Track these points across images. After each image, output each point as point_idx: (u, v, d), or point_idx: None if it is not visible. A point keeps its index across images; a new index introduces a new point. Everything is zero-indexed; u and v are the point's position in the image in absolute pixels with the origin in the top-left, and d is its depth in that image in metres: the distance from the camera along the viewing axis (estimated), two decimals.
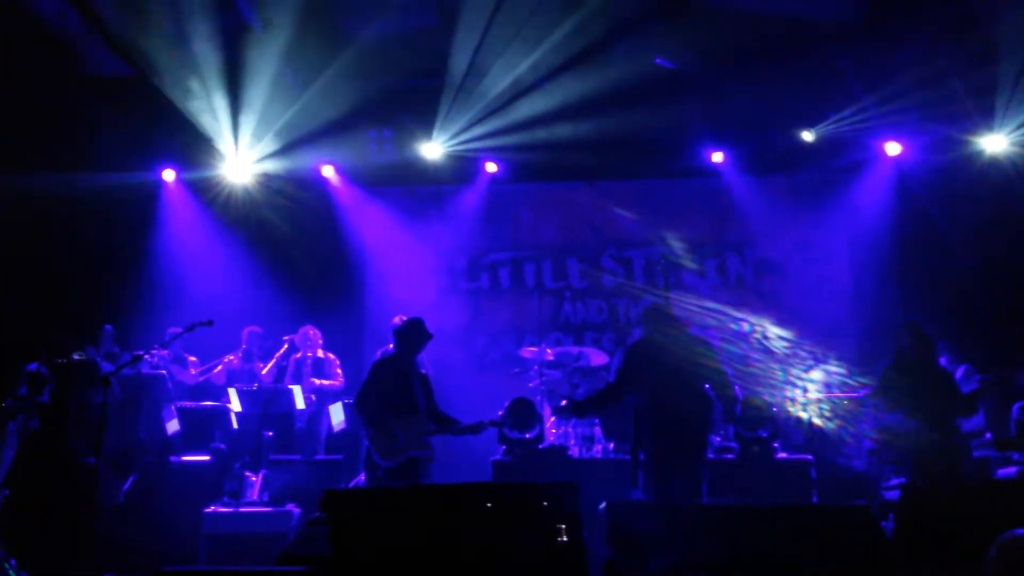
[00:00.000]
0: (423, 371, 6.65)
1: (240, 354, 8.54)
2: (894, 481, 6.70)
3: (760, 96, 8.67)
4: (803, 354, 6.31)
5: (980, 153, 8.90)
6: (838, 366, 6.00)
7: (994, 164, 8.88)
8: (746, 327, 6.89)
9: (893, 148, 9.08)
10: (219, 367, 8.47)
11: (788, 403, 6.18)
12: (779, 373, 6.39)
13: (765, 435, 7.24)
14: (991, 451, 6.39)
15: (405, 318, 7.91)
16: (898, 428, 5.31)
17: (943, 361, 6.50)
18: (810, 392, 6.18)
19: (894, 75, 8.35)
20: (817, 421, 5.78)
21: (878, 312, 8.72)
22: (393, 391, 6.18)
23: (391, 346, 7.92)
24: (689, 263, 9.00)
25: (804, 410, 5.95)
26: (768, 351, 6.60)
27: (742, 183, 9.56)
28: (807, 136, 9.09)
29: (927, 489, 5.14)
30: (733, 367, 6.21)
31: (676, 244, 9.28)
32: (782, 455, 7.29)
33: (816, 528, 3.92)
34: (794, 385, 6.16)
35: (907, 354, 5.88)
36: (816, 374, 6.16)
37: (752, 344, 6.86)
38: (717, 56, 8.27)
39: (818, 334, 8.95)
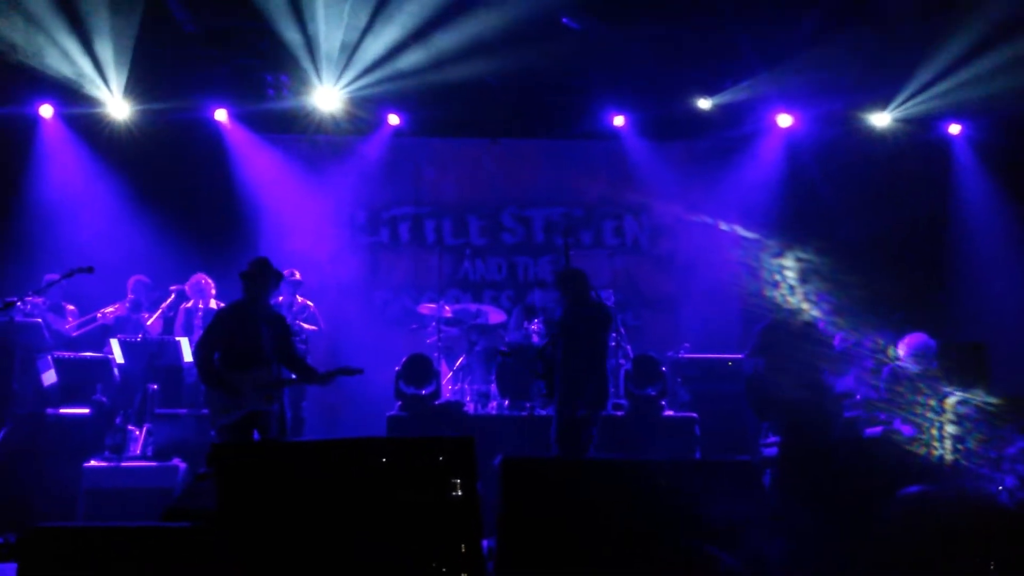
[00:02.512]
0: (290, 316, 6.19)
1: (127, 304, 8.17)
2: (772, 439, 7.07)
3: (662, 62, 8.78)
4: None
5: (866, 129, 9.34)
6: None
7: (879, 140, 9.34)
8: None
9: (785, 120, 9.40)
10: (106, 310, 8.07)
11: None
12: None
13: (654, 393, 7.51)
14: (860, 411, 6.79)
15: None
16: None
17: (821, 325, 6.85)
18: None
19: (790, 51, 8.61)
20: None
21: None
22: (233, 340, 5.76)
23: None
24: None
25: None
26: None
27: (641, 147, 9.71)
28: (704, 104, 9.29)
29: (802, 446, 5.46)
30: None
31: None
32: (669, 412, 7.59)
33: (702, 480, 4.10)
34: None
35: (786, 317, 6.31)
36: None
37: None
38: (621, 20, 8.31)
39: (703, 297, 9.35)
